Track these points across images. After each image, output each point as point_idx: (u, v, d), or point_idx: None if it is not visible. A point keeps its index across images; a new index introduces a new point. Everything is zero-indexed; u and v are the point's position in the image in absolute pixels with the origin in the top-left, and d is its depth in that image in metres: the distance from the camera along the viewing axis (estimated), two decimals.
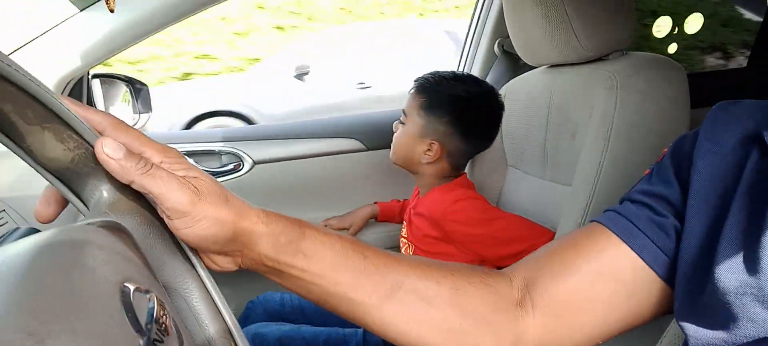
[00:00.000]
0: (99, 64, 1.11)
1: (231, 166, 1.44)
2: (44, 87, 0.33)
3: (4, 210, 0.93)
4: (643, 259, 0.45)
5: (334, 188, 1.48)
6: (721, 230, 0.41)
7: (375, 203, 1.39)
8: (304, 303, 1.20)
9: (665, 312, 0.48)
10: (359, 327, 1.09)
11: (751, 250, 0.38)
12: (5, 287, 0.23)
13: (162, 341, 0.28)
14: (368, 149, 1.50)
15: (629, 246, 0.45)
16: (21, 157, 0.34)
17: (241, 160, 1.45)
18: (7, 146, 0.33)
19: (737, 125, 0.44)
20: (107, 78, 1.52)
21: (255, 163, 1.45)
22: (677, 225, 0.45)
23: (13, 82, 0.30)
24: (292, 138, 1.50)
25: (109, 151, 0.35)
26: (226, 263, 0.42)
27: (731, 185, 0.42)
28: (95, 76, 1.35)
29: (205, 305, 0.39)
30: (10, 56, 0.30)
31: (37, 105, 0.32)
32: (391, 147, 1.17)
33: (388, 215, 1.38)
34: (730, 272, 0.39)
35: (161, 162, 0.38)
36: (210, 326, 0.38)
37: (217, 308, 0.39)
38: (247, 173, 1.44)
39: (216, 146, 1.43)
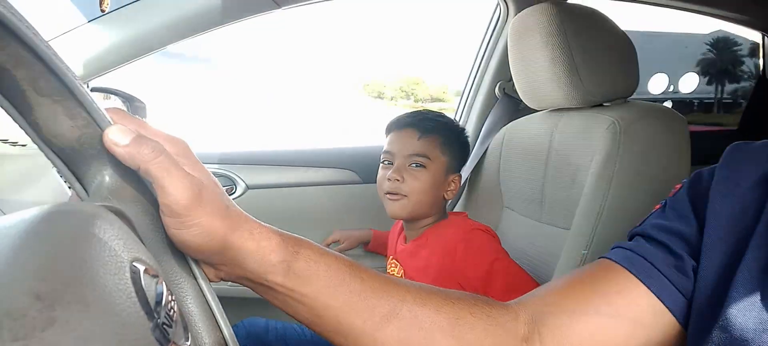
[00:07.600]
0: (99, 75, 1.10)
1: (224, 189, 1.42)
2: (61, 59, 0.31)
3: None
4: (662, 302, 0.43)
5: (327, 218, 1.46)
6: (737, 268, 0.40)
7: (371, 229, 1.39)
8: (288, 332, 1.16)
9: None
10: None
11: None
12: (11, 249, 0.21)
13: (170, 327, 0.26)
14: (363, 182, 1.48)
15: (649, 288, 0.44)
16: (24, 131, 0.31)
17: (234, 184, 1.43)
18: (11, 117, 0.31)
19: (755, 165, 0.44)
20: (106, 92, 1.51)
21: (248, 187, 1.43)
22: (694, 264, 0.44)
23: (31, 48, 0.28)
24: (286, 165, 1.48)
25: (114, 137, 0.34)
26: (208, 273, 0.39)
27: (749, 224, 0.41)
28: (94, 89, 1.34)
29: (201, 311, 0.37)
30: None
31: (51, 77, 0.30)
32: (405, 203, 1.01)
33: (379, 243, 1.36)
34: (747, 310, 0.38)
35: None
36: (204, 334, 0.36)
37: (214, 316, 0.37)
38: (239, 196, 1.42)
39: (210, 168, 1.40)
